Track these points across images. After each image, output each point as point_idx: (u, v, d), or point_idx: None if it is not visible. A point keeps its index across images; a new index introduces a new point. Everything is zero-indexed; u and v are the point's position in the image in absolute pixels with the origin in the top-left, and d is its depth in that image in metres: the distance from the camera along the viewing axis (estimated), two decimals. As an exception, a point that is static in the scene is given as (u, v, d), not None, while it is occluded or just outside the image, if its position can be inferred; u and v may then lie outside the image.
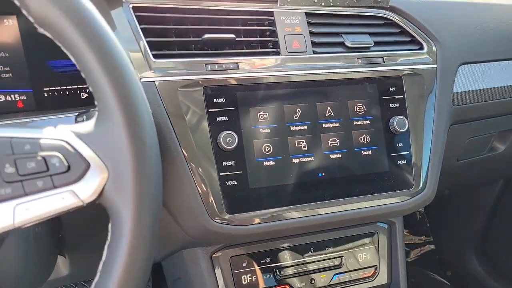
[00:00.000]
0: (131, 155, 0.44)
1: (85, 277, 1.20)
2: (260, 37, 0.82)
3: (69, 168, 0.44)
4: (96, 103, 0.48)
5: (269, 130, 0.77)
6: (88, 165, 0.44)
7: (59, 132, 0.46)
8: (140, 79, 0.70)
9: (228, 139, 0.72)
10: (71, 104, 0.86)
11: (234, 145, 0.72)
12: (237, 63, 0.76)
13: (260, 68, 0.79)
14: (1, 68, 0.80)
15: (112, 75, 0.45)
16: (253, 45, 0.81)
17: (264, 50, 0.81)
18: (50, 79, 0.84)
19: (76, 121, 0.70)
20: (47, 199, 0.44)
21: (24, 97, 0.83)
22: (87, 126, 0.47)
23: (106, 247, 0.46)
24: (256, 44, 0.81)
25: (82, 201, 0.44)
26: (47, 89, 0.84)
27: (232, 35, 0.77)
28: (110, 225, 0.47)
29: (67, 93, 0.86)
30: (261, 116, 0.77)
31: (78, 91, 0.86)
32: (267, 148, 0.76)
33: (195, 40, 0.76)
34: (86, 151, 0.45)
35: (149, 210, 0.46)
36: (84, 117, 0.68)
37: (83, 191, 0.44)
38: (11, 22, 0.78)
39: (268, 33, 0.82)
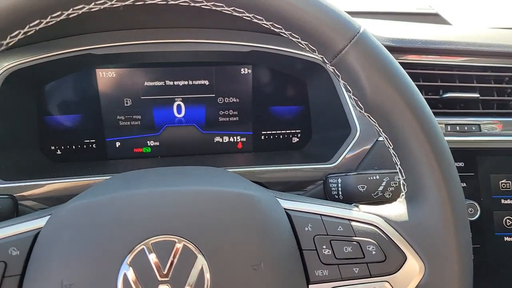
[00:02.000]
0: (456, 253, 0.41)
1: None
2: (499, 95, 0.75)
3: (385, 257, 0.43)
4: (402, 181, 0.46)
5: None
6: (404, 258, 0.43)
7: (368, 216, 0.45)
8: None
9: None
10: (282, 147, 0.89)
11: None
12: (479, 124, 0.70)
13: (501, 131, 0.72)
14: (230, 112, 0.86)
15: (440, 162, 0.42)
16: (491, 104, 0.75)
17: (507, 111, 0.73)
18: (268, 124, 0.87)
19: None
20: (361, 286, 0.43)
21: (244, 139, 0.88)
22: (397, 210, 0.45)
23: None
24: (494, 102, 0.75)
25: (396, 292, 0.43)
26: (265, 132, 0.88)
27: (476, 94, 0.71)
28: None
29: (280, 137, 0.89)
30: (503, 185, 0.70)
31: (290, 136, 0.89)
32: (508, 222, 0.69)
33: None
34: (401, 242, 0.43)
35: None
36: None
37: (399, 284, 0.42)
38: (247, 71, 0.83)
39: (509, 90, 0.75)
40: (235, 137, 0.87)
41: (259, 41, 0.76)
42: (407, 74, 0.43)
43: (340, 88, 0.75)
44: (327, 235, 0.44)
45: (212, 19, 0.73)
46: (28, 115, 0.77)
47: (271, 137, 0.88)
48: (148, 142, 0.85)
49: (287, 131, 0.88)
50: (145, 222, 0.40)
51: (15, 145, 0.74)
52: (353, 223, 0.45)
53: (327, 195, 0.64)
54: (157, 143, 0.85)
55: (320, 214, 0.46)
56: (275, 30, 0.44)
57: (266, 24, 0.43)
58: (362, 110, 0.44)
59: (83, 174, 0.74)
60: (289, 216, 0.46)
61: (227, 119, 0.86)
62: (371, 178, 0.59)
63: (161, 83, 0.81)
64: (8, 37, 0.39)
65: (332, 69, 0.44)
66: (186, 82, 0.82)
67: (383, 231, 0.44)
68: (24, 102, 0.76)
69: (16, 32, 0.39)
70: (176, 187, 0.43)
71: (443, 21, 0.96)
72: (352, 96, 0.44)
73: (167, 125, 0.84)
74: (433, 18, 1.00)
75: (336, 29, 0.41)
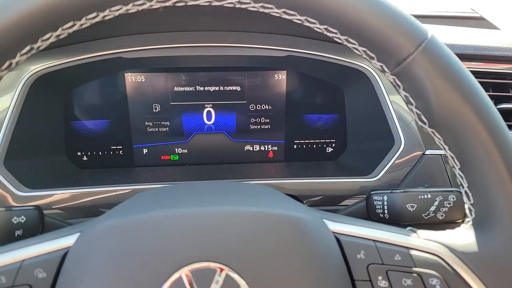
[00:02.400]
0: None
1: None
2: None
3: (454, 292, 0.38)
4: (469, 205, 0.40)
5: None
6: (474, 293, 0.38)
7: (429, 243, 0.40)
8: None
9: None
10: (315, 157, 0.84)
11: None
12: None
13: None
14: (262, 119, 0.81)
15: None
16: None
17: None
18: (301, 132, 0.83)
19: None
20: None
21: (276, 148, 0.84)
22: (463, 238, 0.40)
23: None
24: None
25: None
26: (298, 141, 0.83)
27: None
28: None
29: (314, 146, 0.84)
30: None
31: (324, 145, 0.84)
32: None
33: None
34: (470, 276, 0.38)
35: None
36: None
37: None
38: (281, 77, 0.79)
39: None
40: (266, 146, 0.83)
41: (296, 46, 0.72)
42: (480, 86, 0.37)
43: (382, 96, 0.69)
44: (383, 264, 0.39)
45: (247, 22, 0.70)
46: (55, 120, 0.75)
47: (304, 146, 0.84)
48: (176, 149, 0.82)
49: (321, 141, 0.84)
50: (184, 246, 0.36)
51: (41, 151, 0.72)
52: (412, 252, 0.40)
53: (370, 213, 0.59)
54: (185, 151, 0.82)
55: (374, 240, 0.41)
56: (328, 34, 0.39)
57: (319, 28, 0.39)
58: (425, 124, 0.39)
59: (109, 182, 0.72)
60: (338, 240, 0.41)
61: (259, 127, 0.82)
62: (422, 196, 0.54)
63: (191, 88, 0.78)
64: (40, 41, 0.36)
65: (393, 78, 0.39)
66: (217, 88, 0.79)
67: (447, 263, 0.39)
68: (51, 107, 0.74)
69: (48, 35, 0.36)
70: (217, 207, 0.39)
71: (490, 26, 0.90)
72: (414, 109, 0.39)
73: (196, 132, 0.81)
74: (478, 22, 0.94)
75: (402, 34, 0.36)
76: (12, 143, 0.64)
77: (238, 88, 0.79)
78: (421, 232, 0.42)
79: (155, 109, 0.78)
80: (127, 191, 0.68)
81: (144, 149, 0.81)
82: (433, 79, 0.37)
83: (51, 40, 0.37)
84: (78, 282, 0.36)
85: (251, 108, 0.80)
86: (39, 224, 0.54)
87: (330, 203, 0.75)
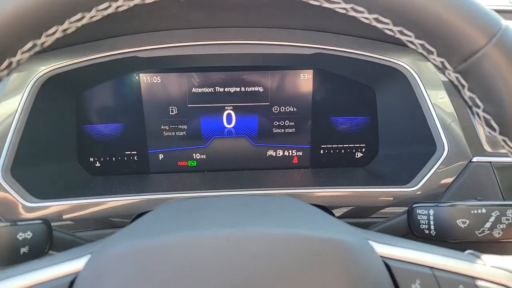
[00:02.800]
0: None
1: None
2: None
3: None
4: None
5: None
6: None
7: (498, 272, 0.34)
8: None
9: None
10: (344, 163, 0.78)
11: None
12: None
13: None
14: (286, 122, 0.76)
15: None
16: None
17: None
18: (329, 136, 0.77)
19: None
20: None
21: (301, 153, 0.78)
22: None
23: None
24: None
25: None
26: (324, 146, 0.77)
27: None
28: None
29: (342, 151, 0.78)
30: None
31: (353, 150, 0.78)
32: None
33: None
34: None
35: None
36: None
37: None
38: (307, 76, 0.73)
39: None
40: (290, 151, 0.77)
41: (324, 42, 0.66)
42: None
43: (422, 96, 0.63)
44: (441, 293, 0.33)
45: (271, 18, 0.64)
46: (65, 124, 0.70)
47: (331, 151, 0.77)
48: (194, 155, 0.76)
49: (350, 145, 0.77)
50: (212, 275, 0.30)
51: (51, 158, 0.67)
52: (479, 283, 0.33)
53: (413, 229, 0.52)
54: (204, 156, 0.76)
55: (431, 267, 0.35)
56: (378, 25, 0.33)
57: (367, 19, 0.33)
58: (495, 131, 0.33)
59: (123, 190, 0.67)
60: (387, 266, 0.35)
61: (282, 130, 0.76)
62: (475, 211, 0.48)
63: (210, 89, 0.73)
64: (44, 36, 0.31)
65: (456, 77, 0.33)
66: (238, 89, 0.73)
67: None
68: (62, 110, 0.69)
69: (53, 30, 0.31)
70: (248, 227, 0.33)
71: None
72: (482, 113, 0.33)
73: (216, 137, 0.75)
74: (520, 15, 0.86)
75: (472, 23, 0.30)
76: (20, 150, 0.60)
77: (261, 89, 0.73)
78: (486, 258, 0.36)
79: (172, 111, 0.73)
80: (141, 200, 0.63)
81: (160, 155, 0.76)
82: (508, 77, 0.30)
83: (57, 35, 0.32)
84: None
85: (275, 110, 0.74)
86: (47, 240, 0.49)
87: (360, 214, 0.69)
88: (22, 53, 0.31)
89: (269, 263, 0.31)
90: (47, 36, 0.31)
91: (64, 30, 0.32)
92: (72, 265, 0.35)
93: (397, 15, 0.31)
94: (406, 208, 0.54)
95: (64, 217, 0.61)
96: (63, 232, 0.52)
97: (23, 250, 0.46)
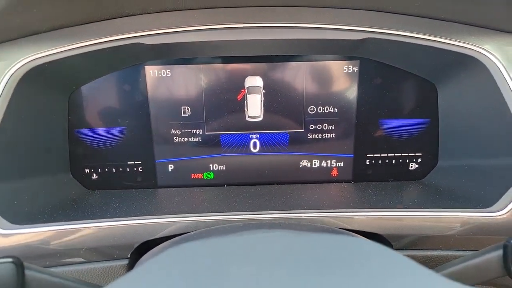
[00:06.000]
0: None
1: None
2: None
3: None
4: None
5: None
6: None
7: None
8: None
9: None
10: (394, 176, 0.64)
11: None
12: None
13: None
14: (325, 125, 0.62)
15: None
16: None
17: None
18: (377, 144, 0.62)
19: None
20: None
21: (342, 164, 0.64)
22: None
23: None
24: None
25: None
26: (371, 155, 0.63)
27: None
28: None
29: (393, 162, 0.63)
30: None
31: (407, 160, 0.63)
32: None
33: None
34: None
35: None
36: None
37: None
38: (352, 69, 0.59)
39: None
40: (329, 161, 0.63)
41: (376, 24, 0.52)
42: None
43: (509, 92, 0.48)
44: None
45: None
46: (54, 127, 0.58)
47: (379, 162, 0.63)
48: (211, 165, 0.63)
49: (403, 154, 0.63)
50: None
51: (35, 169, 0.54)
52: None
53: (509, 269, 0.38)
54: (223, 167, 0.63)
55: None
56: None
57: None
58: None
59: (123, 210, 0.54)
60: None
61: (320, 135, 0.62)
62: None
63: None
64: None
65: None
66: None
67: None
68: (50, 110, 0.56)
69: None
70: None
71: None
72: None
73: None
74: None
75: None
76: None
77: (294, 85, 0.59)
78: None
79: (184, 112, 0.60)
80: (146, 224, 0.50)
81: (170, 165, 0.63)
82: None
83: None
84: None
85: (310, 111, 0.61)
86: (18, 283, 0.36)
87: (423, 245, 0.54)
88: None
89: None
90: None
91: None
92: None
93: None
94: (498, 242, 0.40)
95: (50, 244, 0.48)
96: (39, 271, 0.39)
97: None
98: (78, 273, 0.49)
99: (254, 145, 0.62)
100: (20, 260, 0.38)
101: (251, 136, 0.62)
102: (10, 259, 0.38)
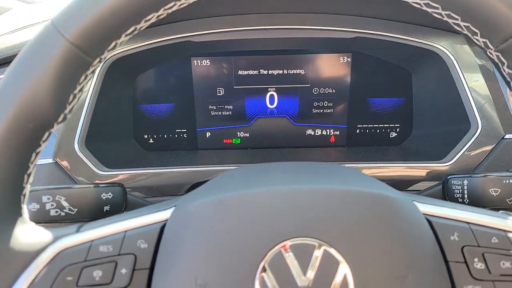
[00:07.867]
0: None
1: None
2: None
3: None
4: None
5: None
6: None
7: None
8: None
9: None
10: (378, 142, 0.83)
11: None
12: None
13: None
14: (325, 103, 0.81)
15: None
16: None
17: None
18: (365, 117, 0.82)
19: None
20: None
21: (338, 133, 0.83)
22: None
23: None
24: None
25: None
26: (360, 126, 0.82)
27: None
28: None
29: (377, 131, 0.82)
30: None
31: (388, 130, 0.82)
32: None
33: None
34: None
35: None
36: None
37: None
38: (346, 60, 0.78)
39: None
40: (328, 130, 0.83)
41: (364, 27, 0.70)
42: None
43: (458, 77, 0.67)
44: (479, 246, 0.38)
45: (313, 3, 0.69)
46: (125, 104, 0.77)
47: (367, 131, 0.82)
48: (239, 133, 0.83)
49: (385, 125, 0.82)
50: (283, 222, 0.36)
51: (113, 134, 0.75)
52: (510, 235, 0.38)
53: (448, 198, 0.57)
54: (247, 135, 0.83)
55: (467, 222, 0.40)
56: (427, 9, 0.38)
57: (417, 4, 0.38)
58: None
59: (176, 162, 0.74)
60: (429, 222, 0.40)
61: (321, 110, 0.81)
62: (507, 181, 0.52)
63: (255, 72, 0.78)
64: (143, 21, 0.37)
65: (497, 55, 0.37)
66: (280, 71, 0.78)
67: None
68: (122, 91, 0.76)
69: (151, 16, 0.37)
70: (316, 185, 0.39)
71: None
72: None
73: (259, 116, 0.81)
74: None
75: None
76: (92, 126, 0.67)
77: (302, 72, 0.78)
78: (518, 215, 0.40)
79: (219, 92, 0.80)
80: (194, 171, 0.70)
81: (208, 133, 0.82)
82: None
83: (153, 20, 0.38)
84: (180, 253, 0.37)
85: (314, 91, 0.80)
86: (123, 201, 0.56)
87: (395, 187, 0.73)
88: (125, 35, 0.38)
89: (331, 213, 0.37)
90: (145, 21, 0.38)
91: (158, 16, 0.38)
92: (160, 215, 0.41)
93: (446, 1, 0.36)
94: (440, 182, 0.59)
95: (128, 182, 0.69)
96: (134, 196, 0.59)
97: (106, 208, 0.54)
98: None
99: (271, 100, 0.81)
100: (124, 186, 0.59)
101: (269, 111, 0.81)
102: (117, 184, 0.59)
